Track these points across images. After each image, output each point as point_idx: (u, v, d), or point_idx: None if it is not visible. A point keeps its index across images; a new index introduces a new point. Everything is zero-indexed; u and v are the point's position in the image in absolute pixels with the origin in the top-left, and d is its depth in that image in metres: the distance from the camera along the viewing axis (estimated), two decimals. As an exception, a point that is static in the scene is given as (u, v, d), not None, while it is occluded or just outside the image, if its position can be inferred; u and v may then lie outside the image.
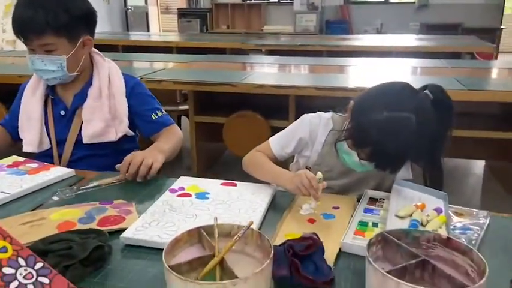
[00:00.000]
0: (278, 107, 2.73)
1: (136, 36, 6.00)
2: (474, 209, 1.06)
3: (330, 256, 0.84)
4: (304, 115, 1.28)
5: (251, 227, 0.83)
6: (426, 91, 1.06)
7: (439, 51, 4.35)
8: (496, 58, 6.04)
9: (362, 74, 3.09)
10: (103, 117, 1.42)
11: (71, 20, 1.31)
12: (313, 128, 1.23)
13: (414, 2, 6.48)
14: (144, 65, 3.46)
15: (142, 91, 1.52)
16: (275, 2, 7.80)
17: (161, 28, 9.66)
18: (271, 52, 4.70)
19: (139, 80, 1.59)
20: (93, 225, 0.95)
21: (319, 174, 1.01)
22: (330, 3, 7.07)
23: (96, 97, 1.43)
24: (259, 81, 2.71)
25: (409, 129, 0.97)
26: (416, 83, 2.83)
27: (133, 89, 1.49)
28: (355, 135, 1.06)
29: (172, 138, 1.46)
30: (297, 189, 1.02)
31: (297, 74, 3.30)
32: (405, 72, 3.23)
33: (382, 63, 3.59)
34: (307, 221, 1.01)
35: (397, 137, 0.98)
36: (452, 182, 3.10)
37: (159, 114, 1.50)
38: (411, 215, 0.99)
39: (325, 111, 1.28)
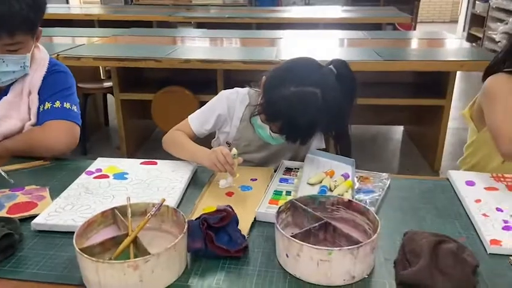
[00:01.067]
0: (207, 82, 2.72)
1: (54, 8, 5.55)
2: (377, 173, 1.15)
3: (244, 226, 0.89)
4: (222, 91, 1.30)
5: (166, 204, 0.86)
6: (330, 66, 1.12)
7: (363, 23, 4.53)
8: (415, 29, 6.40)
9: (290, 47, 3.14)
10: (20, 116, 1.28)
11: (41, 16, 1.20)
12: (231, 104, 1.26)
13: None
14: (62, 41, 3.25)
15: (51, 81, 1.32)
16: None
17: (82, -1, 9.02)
18: (200, 25, 4.61)
19: (59, 67, 1.37)
20: (3, 213, 0.92)
21: (234, 151, 1.04)
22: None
23: (18, 93, 1.29)
24: (186, 55, 2.67)
25: (315, 102, 1.03)
26: (340, 54, 2.92)
27: (44, 80, 1.31)
28: (266, 110, 1.10)
29: (25, 137, 1.26)
30: (214, 166, 1.04)
31: (225, 48, 3.28)
32: (330, 44, 3.33)
33: (310, 36, 3.68)
34: (225, 194, 1.05)
35: (304, 110, 1.03)
36: (374, 148, 3.32)
37: (47, 106, 1.27)
38: (321, 182, 1.06)
39: (242, 87, 1.30)
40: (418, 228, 0.91)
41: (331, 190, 1.03)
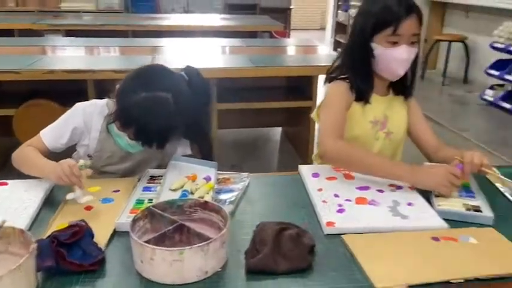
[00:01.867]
0: (78, 93, 2.58)
1: None
2: (238, 173, 1.23)
3: (102, 238, 0.89)
4: (77, 104, 1.27)
5: (11, 225, 0.82)
6: (182, 73, 1.17)
7: (240, 31, 4.72)
8: (289, 36, 6.86)
9: (168, 55, 3.14)
10: None
11: None
12: (87, 117, 1.24)
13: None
14: None
15: None
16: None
17: None
18: (70, 33, 4.34)
19: None
20: None
21: (81, 162, 1.03)
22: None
23: None
24: (51, 66, 2.51)
25: (166, 107, 1.08)
26: (217, 61, 2.98)
27: None
28: (120, 117, 1.12)
29: None
30: (60, 179, 1.01)
31: (98, 57, 3.16)
32: (208, 51, 3.39)
33: (189, 43, 3.71)
34: (84, 209, 1.02)
35: (157, 114, 1.07)
36: (255, 149, 3.49)
37: None
38: (183, 187, 1.10)
39: (101, 98, 1.29)
40: (271, 219, 1.01)
41: (192, 193, 1.08)
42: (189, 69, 1.19)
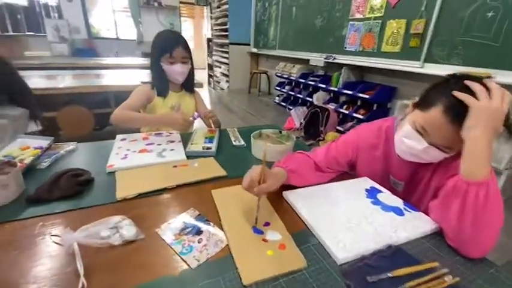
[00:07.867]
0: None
1: None
2: (67, 143, 0.99)
3: None
4: None
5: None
6: None
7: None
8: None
9: (111, 78, 2.48)
10: None
11: None
12: None
13: (135, 40, 5.98)
14: None
15: None
16: (33, 35, 5.40)
17: None
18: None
19: None
20: None
21: None
22: (77, 36, 5.59)
23: None
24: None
25: None
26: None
27: None
28: None
29: None
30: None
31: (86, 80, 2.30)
32: (129, 76, 2.76)
33: (123, 73, 3.02)
34: None
35: None
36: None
37: None
38: (11, 154, 0.84)
39: None
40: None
41: (14, 158, 0.82)
42: None
